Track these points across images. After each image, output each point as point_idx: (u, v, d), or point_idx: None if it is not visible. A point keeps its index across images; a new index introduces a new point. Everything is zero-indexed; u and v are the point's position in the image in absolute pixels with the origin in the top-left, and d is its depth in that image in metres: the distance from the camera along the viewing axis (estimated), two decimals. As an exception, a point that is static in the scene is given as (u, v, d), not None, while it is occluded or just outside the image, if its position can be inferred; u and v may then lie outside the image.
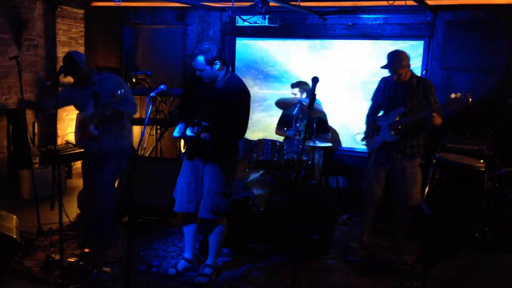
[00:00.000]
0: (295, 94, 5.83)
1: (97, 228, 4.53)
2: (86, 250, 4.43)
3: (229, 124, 3.84)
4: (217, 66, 3.83)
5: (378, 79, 4.79)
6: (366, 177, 4.77)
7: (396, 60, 4.37)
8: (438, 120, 4.30)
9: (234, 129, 3.89)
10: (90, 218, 4.65)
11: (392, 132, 4.48)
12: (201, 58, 3.78)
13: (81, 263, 4.12)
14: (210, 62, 3.79)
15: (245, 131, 4.02)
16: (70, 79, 4.59)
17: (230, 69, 3.97)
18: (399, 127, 4.44)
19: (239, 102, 3.87)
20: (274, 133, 6.19)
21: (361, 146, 6.23)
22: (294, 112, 5.42)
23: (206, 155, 3.95)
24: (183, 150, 4.09)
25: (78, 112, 4.64)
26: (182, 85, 3.89)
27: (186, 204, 4.05)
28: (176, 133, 3.98)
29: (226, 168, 3.98)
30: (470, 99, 3.98)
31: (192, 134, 3.82)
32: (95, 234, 4.55)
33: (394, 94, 4.54)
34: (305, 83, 5.82)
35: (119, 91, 4.12)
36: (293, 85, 5.90)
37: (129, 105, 4.45)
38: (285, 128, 6.01)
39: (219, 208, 3.96)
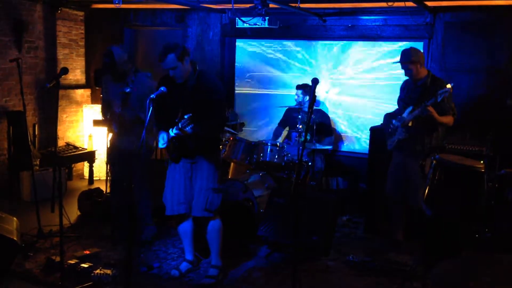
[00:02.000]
0: (298, 96, 5.85)
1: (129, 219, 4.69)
2: (87, 252, 4.44)
3: (209, 118, 3.85)
4: (188, 62, 3.86)
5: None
6: (387, 178, 4.85)
7: (406, 54, 4.53)
8: (440, 118, 4.37)
9: (213, 123, 3.91)
10: (119, 211, 4.78)
11: (404, 130, 4.58)
12: (171, 56, 3.78)
13: (81, 265, 4.12)
14: (180, 58, 3.79)
15: (224, 125, 4.07)
16: (69, 81, 4.64)
17: (198, 68, 3.96)
18: (409, 124, 4.53)
19: (214, 96, 3.90)
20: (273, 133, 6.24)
21: (361, 147, 6.30)
22: (298, 114, 5.44)
23: (191, 152, 3.95)
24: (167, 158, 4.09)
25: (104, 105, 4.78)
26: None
27: (177, 206, 4.06)
28: (161, 144, 3.97)
29: (214, 164, 4.01)
30: (451, 88, 4.27)
31: (177, 131, 3.80)
32: (127, 224, 4.66)
33: (410, 94, 4.66)
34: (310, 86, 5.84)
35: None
36: (298, 87, 5.93)
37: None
38: (286, 129, 6.04)
39: (213, 204, 3.98)
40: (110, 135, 4.90)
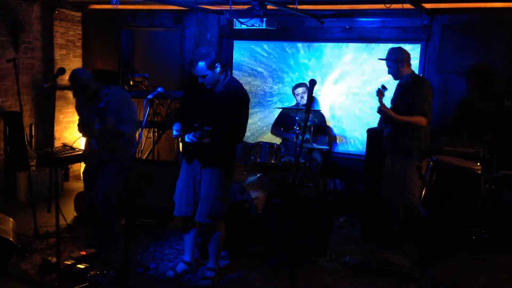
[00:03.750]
0: (298, 94, 5.83)
1: (100, 231, 4.59)
2: (83, 253, 4.43)
3: (229, 128, 3.82)
4: (218, 69, 3.82)
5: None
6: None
7: (389, 52, 4.70)
8: (400, 117, 4.50)
9: (234, 133, 3.88)
10: (93, 222, 4.73)
11: (387, 129, 4.74)
12: (202, 64, 3.74)
13: (78, 265, 4.11)
14: (211, 66, 3.76)
15: (244, 135, 4.02)
16: (66, 82, 4.61)
17: (229, 73, 3.96)
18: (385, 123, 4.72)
19: (238, 106, 3.86)
20: (270, 133, 6.23)
21: (357, 148, 6.30)
22: (295, 115, 5.43)
23: (205, 160, 3.92)
24: (182, 153, 4.08)
25: (79, 123, 4.64)
26: (182, 88, 3.88)
27: (185, 208, 4.04)
28: (175, 131, 3.92)
29: (224, 172, 3.96)
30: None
31: (193, 139, 3.77)
32: (99, 237, 4.60)
33: (396, 94, 4.76)
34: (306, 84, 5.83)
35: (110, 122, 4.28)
36: (297, 86, 5.89)
37: (131, 125, 4.43)
38: (281, 129, 6.03)
39: (217, 213, 3.94)
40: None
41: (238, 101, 3.86)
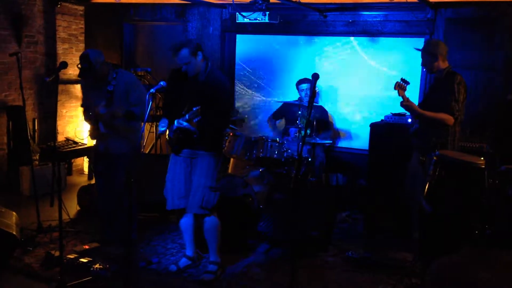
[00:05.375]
0: (302, 90, 5.80)
1: (116, 226, 4.54)
2: (86, 246, 4.44)
3: (214, 115, 3.86)
4: (200, 57, 3.89)
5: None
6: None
7: (425, 44, 4.48)
8: (423, 111, 4.29)
9: (219, 119, 3.93)
10: (104, 217, 4.68)
11: (416, 123, 4.54)
12: (185, 51, 3.83)
13: (81, 259, 4.12)
14: (194, 53, 3.84)
15: (229, 122, 4.16)
16: (69, 76, 4.60)
17: (210, 65, 4.00)
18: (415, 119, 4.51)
19: (221, 93, 3.94)
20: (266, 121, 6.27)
21: (360, 143, 6.29)
22: (298, 110, 5.41)
23: (194, 145, 3.95)
24: (168, 146, 4.09)
25: (84, 108, 4.63)
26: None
27: (178, 201, 4.06)
28: (161, 127, 3.97)
29: (214, 162, 4.00)
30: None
31: (182, 122, 3.80)
32: (115, 231, 4.56)
33: (428, 88, 4.64)
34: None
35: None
36: (301, 81, 5.86)
37: (142, 106, 4.34)
38: (277, 122, 6.03)
39: (209, 202, 3.97)
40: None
41: (221, 89, 3.95)
